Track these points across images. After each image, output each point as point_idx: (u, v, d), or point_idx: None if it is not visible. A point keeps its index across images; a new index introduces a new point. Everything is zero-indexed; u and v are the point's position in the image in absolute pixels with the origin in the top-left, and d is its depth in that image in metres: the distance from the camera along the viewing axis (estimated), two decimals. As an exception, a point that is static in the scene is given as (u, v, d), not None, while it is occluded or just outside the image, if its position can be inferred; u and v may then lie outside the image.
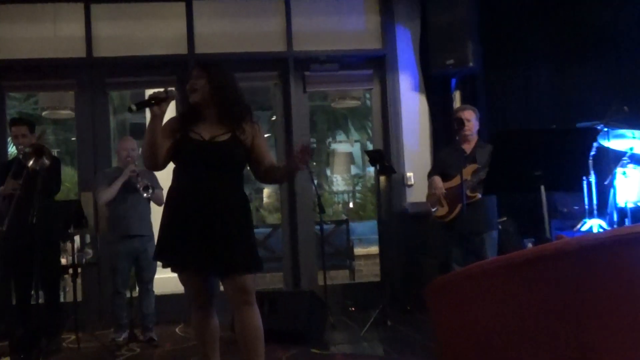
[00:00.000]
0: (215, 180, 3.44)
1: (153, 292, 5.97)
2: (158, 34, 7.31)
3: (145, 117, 10.03)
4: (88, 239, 7.00)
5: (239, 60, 7.27)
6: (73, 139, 11.68)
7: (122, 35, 7.26)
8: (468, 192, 5.36)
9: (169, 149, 3.47)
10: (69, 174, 10.86)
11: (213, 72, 3.50)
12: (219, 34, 7.38)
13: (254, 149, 3.57)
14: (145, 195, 5.77)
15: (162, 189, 6.04)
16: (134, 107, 3.30)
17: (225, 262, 3.39)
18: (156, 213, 6.18)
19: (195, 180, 3.44)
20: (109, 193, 5.85)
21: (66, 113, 9.49)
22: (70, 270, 6.07)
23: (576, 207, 6.47)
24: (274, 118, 10.46)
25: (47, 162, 4.99)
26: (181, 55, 7.25)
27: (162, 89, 3.39)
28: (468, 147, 5.60)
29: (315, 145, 6.34)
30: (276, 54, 7.45)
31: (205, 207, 3.40)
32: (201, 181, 3.43)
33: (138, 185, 5.78)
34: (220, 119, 3.51)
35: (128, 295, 6.00)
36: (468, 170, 5.42)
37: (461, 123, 5.41)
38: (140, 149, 3.65)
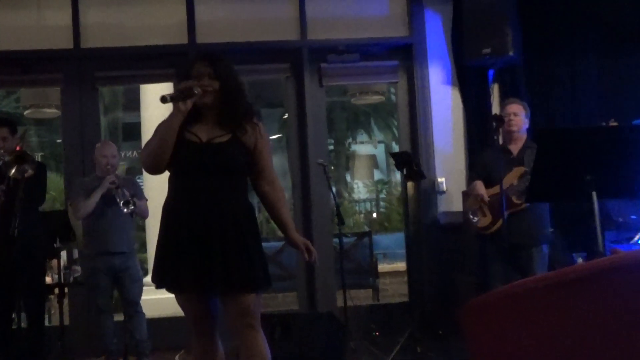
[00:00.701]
0: (215, 188, 3.44)
1: (143, 314, 5.98)
2: (154, 22, 7.34)
3: (139, 116, 10.09)
4: (76, 254, 7.03)
5: (246, 51, 7.29)
6: (59, 141, 11.79)
7: (113, 23, 7.30)
8: (514, 199, 5.34)
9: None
10: (54, 181, 10.91)
11: (222, 72, 3.52)
12: (223, 21, 7.41)
13: (255, 153, 3.57)
14: (125, 210, 5.80)
15: (146, 200, 6.07)
16: (168, 98, 3.37)
17: (225, 279, 3.38)
18: (149, 227, 6.25)
19: (193, 189, 3.44)
20: (86, 206, 5.87)
21: (51, 112, 9.56)
22: (56, 290, 6.11)
23: (633, 217, 6.43)
24: (285, 116, 10.48)
25: (30, 170, 5.02)
26: (180, 46, 7.28)
27: (191, 82, 3.44)
28: (515, 148, 5.58)
29: (325, 161, 6.30)
30: (288, 43, 7.47)
31: (204, 218, 3.40)
32: (200, 189, 3.43)
33: (118, 199, 5.82)
34: (220, 119, 3.53)
35: (117, 318, 6.02)
36: (514, 173, 5.42)
37: (500, 120, 5.36)
38: (143, 148, 3.62)
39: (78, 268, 6.80)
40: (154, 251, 3.59)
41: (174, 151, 3.44)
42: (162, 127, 3.46)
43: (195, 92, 3.40)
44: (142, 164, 3.58)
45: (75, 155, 7.25)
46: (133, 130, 11.51)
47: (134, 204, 5.80)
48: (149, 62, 7.34)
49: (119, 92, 11.78)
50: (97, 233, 5.92)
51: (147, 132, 9.78)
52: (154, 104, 9.55)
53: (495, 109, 7.11)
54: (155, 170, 3.49)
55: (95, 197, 5.84)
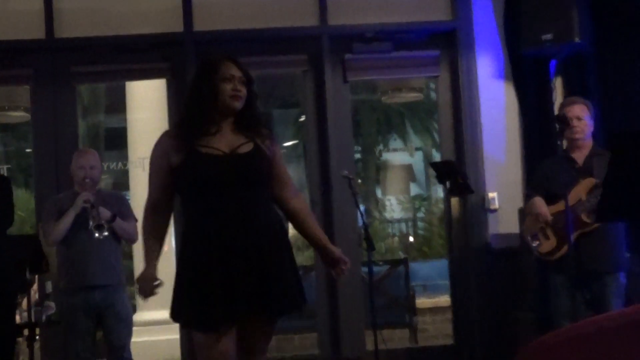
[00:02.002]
0: (247, 203, 3.69)
1: None
2: (143, 6, 7.37)
3: (124, 120, 10.16)
4: (49, 287, 7.04)
5: (253, 40, 7.33)
6: (28, 150, 11.85)
7: (93, 8, 7.33)
8: (583, 218, 5.32)
9: (168, 184, 3.79)
10: (22, 199, 10.99)
11: (248, 76, 3.84)
12: (225, 4, 7.44)
13: (274, 163, 3.89)
14: (97, 235, 5.74)
15: (136, 220, 6.07)
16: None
17: (265, 305, 3.65)
18: (137, 253, 6.25)
19: (221, 208, 3.67)
20: (56, 231, 5.86)
21: (18, 115, 9.63)
22: (25, 332, 6.11)
23: None
24: (302, 118, 10.51)
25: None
26: (174, 35, 7.32)
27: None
28: (580, 156, 5.57)
29: (351, 172, 6.31)
30: (305, 29, 7.50)
31: (239, 238, 3.64)
32: (230, 207, 3.67)
33: (90, 222, 5.76)
34: (236, 127, 3.82)
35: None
36: (582, 187, 5.41)
37: (565, 122, 5.37)
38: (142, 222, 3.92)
39: (52, 304, 6.81)
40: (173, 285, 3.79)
41: (187, 171, 3.70)
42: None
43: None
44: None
45: (47, 167, 7.28)
46: (118, 137, 11.55)
47: (109, 229, 5.77)
48: (137, 54, 7.37)
49: (100, 91, 11.88)
50: (74, 263, 5.90)
51: (135, 138, 9.88)
52: (143, 105, 9.64)
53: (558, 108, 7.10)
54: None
55: (67, 219, 5.83)
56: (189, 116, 3.81)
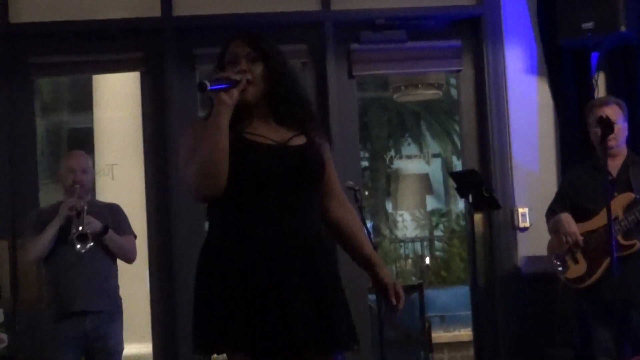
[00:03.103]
0: (303, 208, 3.58)
1: None
2: (114, -14, 7.42)
3: (91, 120, 10.16)
4: (1, 316, 7.04)
5: (243, 27, 7.31)
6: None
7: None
8: (620, 239, 5.32)
9: None
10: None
11: (267, 50, 3.66)
12: (211, -16, 7.49)
13: (326, 168, 3.76)
14: (78, 247, 5.71)
15: (135, 236, 6.08)
16: (207, 84, 3.43)
17: (318, 336, 3.52)
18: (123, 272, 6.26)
19: (275, 210, 3.51)
20: (36, 246, 5.84)
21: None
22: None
23: None
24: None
25: None
26: (151, 20, 7.35)
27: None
28: (614, 166, 5.58)
29: (357, 183, 6.27)
30: (305, 15, 7.53)
31: (294, 248, 3.51)
32: (286, 210, 3.52)
33: (72, 231, 5.74)
34: (278, 119, 3.64)
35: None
36: (618, 202, 5.43)
37: (609, 126, 5.35)
38: (184, 168, 3.57)
39: (4, 337, 6.80)
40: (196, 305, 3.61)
41: (236, 160, 3.47)
42: (207, 131, 3.47)
43: (238, 79, 3.48)
44: (194, 187, 3.51)
45: (0, 172, 7.26)
46: (83, 139, 11.54)
47: (100, 243, 5.76)
48: (106, 43, 7.38)
49: (63, 85, 11.88)
50: (59, 284, 5.86)
51: (102, 141, 9.88)
52: (113, 102, 9.65)
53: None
54: (214, 189, 3.46)
55: (49, 232, 5.79)
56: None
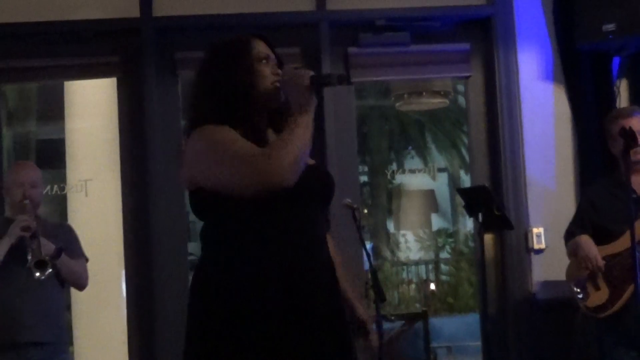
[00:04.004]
0: (321, 231, 3.68)
1: None
2: (88, -16, 7.44)
3: (62, 130, 10.15)
4: None
5: (231, 29, 7.34)
6: None
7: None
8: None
9: None
10: None
11: (280, 57, 3.80)
12: (194, -19, 7.51)
13: None
14: (37, 275, 5.63)
15: (86, 259, 6.06)
16: (317, 79, 3.60)
17: None
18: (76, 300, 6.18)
19: (296, 229, 3.55)
20: None
21: None
22: None
23: None
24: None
25: None
26: (128, 21, 7.38)
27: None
28: (638, 182, 5.58)
29: (355, 201, 6.26)
30: (298, 15, 7.55)
31: (314, 271, 3.56)
32: (308, 234, 3.58)
33: (28, 256, 5.68)
34: (276, 130, 3.72)
35: None
36: (644, 223, 5.43)
37: (633, 138, 5.36)
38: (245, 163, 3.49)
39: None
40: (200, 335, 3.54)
41: None
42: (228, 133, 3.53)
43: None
44: (286, 171, 3.41)
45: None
46: (53, 152, 11.51)
47: (54, 266, 5.70)
48: (79, 46, 7.42)
49: (31, 92, 11.87)
50: (4, 311, 5.80)
51: (75, 154, 9.85)
52: (86, 111, 9.64)
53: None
54: (290, 181, 3.44)
55: None
56: (232, 106, 3.63)
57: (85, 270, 5.97)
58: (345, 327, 3.63)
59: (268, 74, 3.65)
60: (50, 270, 5.66)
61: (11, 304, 5.81)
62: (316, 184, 3.63)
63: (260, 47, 3.72)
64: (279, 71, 3.65)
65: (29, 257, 5.68)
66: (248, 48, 3.69)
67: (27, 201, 5.87)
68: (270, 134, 3.70)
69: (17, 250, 5.75)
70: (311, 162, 3.67)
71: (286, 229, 3.52)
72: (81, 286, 6.13)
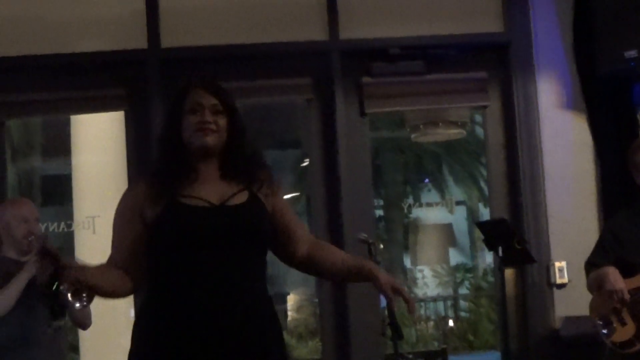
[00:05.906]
0: (241, 273, 3.70)
1: None
2: (93, 14, 7.43)
3: (69, 166, 10.15)
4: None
5: (240, 60, 7.35)
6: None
7: (26, 17, 7.39)
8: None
9: (138, 244, 3.74)
10: None
11: (230, 104, 3.86)
12: (202, 11, 7.49)
13: (276, 215, 3.92)
14: (77, 305, 5.63)
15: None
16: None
17: None
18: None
19: (209, 275, 3.65)
20: (3, 300, 5.70)
21: None
22: None
23: None
24: (305, 163, 10.50)
25: None
26: (135, 52, 7.40)
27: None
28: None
29: (370, 236, 6.28)
30: (310, 45, 7.57)
31: (229, 315, 3.62)
32: (221, 276, 3.65)
33: (61, 288, 5.66)
34: (224, 175, 3.84)
35: None
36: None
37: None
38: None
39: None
40: None
41: (165, 227, 3.70)
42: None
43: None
44: None
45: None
46: (59, 188, 11.55)
47: (70, 314, 5.74)
48: (85, 78, 7.43)
49: (36, 127, 11.88)
50: (17, 349, 5.73)
51: (82, 190, 9.85)
52: (93, 145, 9.63)
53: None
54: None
55: (17, 285, 5.62)
56: (159, 160, 3.85)
57: (89, 311, 5.94)
58: None
59: (192, 124, 3.77)
60: (63, 317, 5.77)
61: (19, 340, 5.73)
62: (221, 227, 3.69)
63: (196, 98, 3.81)
64: (208, 119, 3.77)
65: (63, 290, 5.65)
66: (182, 99, 3.84)
67: (32, 237, 5.77)
68: (219, 184, 3.82)
69: (31, 287, 5.67)
70: (240, 200, 3.79)
71: (193, 273, 3.68)
72: (85, 325, 6.14)
